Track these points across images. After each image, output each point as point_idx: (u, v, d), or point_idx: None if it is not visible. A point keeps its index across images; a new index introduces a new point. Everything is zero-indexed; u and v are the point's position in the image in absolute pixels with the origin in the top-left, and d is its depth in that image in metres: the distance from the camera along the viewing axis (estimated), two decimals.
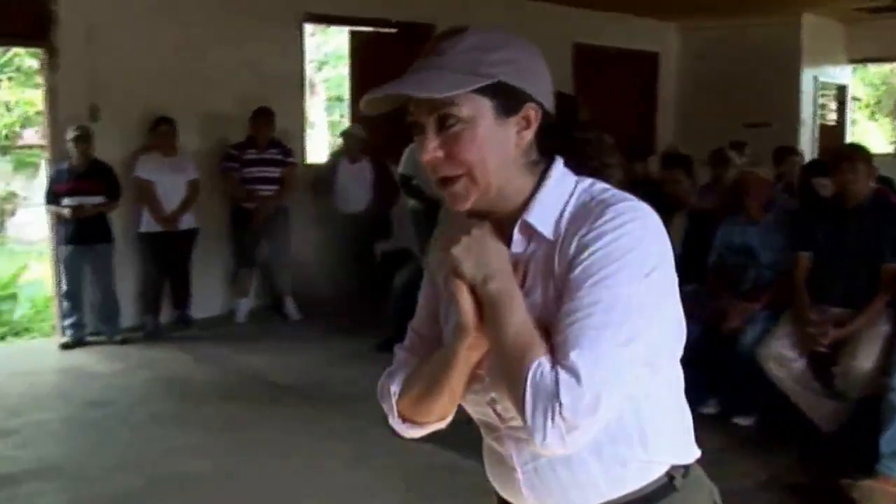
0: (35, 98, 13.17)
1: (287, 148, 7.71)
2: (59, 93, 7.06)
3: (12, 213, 15.31)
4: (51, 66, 7.06)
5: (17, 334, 8.67)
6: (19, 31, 7.07)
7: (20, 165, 14.87)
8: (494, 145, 1.33)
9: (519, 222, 1.37)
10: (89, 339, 7.05)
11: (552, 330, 1.27)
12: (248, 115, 7.51)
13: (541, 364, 1.24)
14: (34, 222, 15.66)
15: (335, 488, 4.26)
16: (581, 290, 1.26)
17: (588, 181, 1.39)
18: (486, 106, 1.32)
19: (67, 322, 7.06)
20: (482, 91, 1.31)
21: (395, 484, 4.28)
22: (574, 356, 1.22)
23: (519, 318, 1.29)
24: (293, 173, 7.72)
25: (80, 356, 6.75)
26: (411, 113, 1.35)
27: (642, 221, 1.30)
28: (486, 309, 1.32)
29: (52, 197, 6.89)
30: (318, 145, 13.05)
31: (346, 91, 11.20)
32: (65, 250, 6.93)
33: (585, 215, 1.32)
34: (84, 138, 6.72)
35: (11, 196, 15.37)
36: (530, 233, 1.37)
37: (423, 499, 4.15)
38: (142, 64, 7.17)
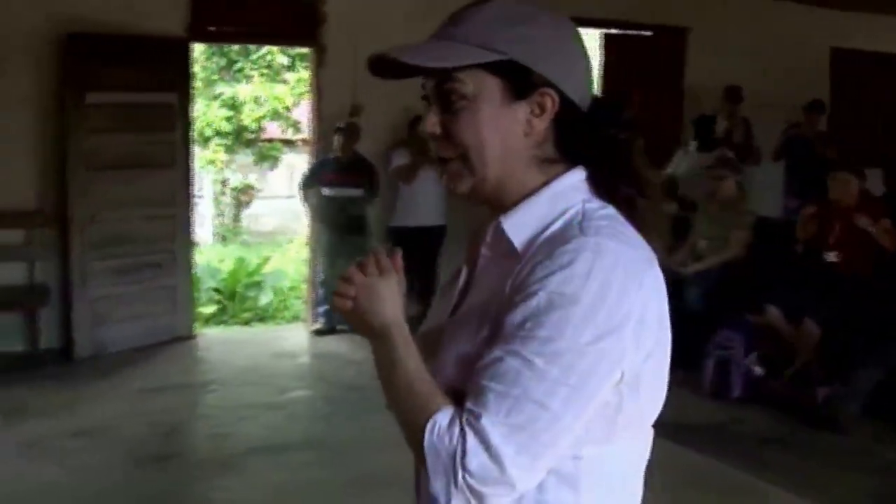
0: (282, 93, 14.04)
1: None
2: (324, 89, 7.55)
3: (247, 205, 16.29)
4: (318, 63, 7.57)
5: (261, 320, 9.33)
6: (290, 30, 7.61)
7: (261, 158, 15.76)
8: (497, 129, 1.22)
9: (494, 222, 1.26)
10: (339, 327, 7.48)
11: (476, 366, 1.15)
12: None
13: (436, 422, 1.12)
14: (268, 214, 16.69)
15: None
16: (513, 338, 1.12)
17: (597, 204, 1.23)
18: (493, 85, 1.22)
19: (321, 310, 7.49)
20: (491, 68, 1.21)
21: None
22: (487, 422, 1.09)
23: (411, 366, 1.19)
24: None
25: (332, 343, 7.19)
26: (423, 85, 1.27)
27: (607, 272, 1.12)
28: (377, 360, 1.24)
29: (311, 182, 7.35)
30: None
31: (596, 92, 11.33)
32: (324, 240, 7.39)
33: (555, 243, 1.17)
34: (350, 132, 7.17)
35: (248, 188, 16.38)
36: (501, 238, 1.25)
37: (668, 493, 4.27)
38: None
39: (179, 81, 6.95)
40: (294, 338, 7.65)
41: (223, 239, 15.36)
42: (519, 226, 1.23)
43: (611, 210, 1.23)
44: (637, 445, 1.28)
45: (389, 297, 1.24)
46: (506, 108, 1.22)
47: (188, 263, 7.24)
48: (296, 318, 8.86)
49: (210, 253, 12.85)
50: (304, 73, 12.13)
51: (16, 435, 5.06)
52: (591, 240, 1.14)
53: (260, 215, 16.71)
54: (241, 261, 10.92)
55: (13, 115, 6.50)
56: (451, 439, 1.11)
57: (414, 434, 1.15)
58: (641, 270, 1.16)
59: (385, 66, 1.23)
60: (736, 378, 5.74)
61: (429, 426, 1.13)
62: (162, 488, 4.44)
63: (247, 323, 9.22)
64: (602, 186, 1.25)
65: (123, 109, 6.54)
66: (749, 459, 4.82)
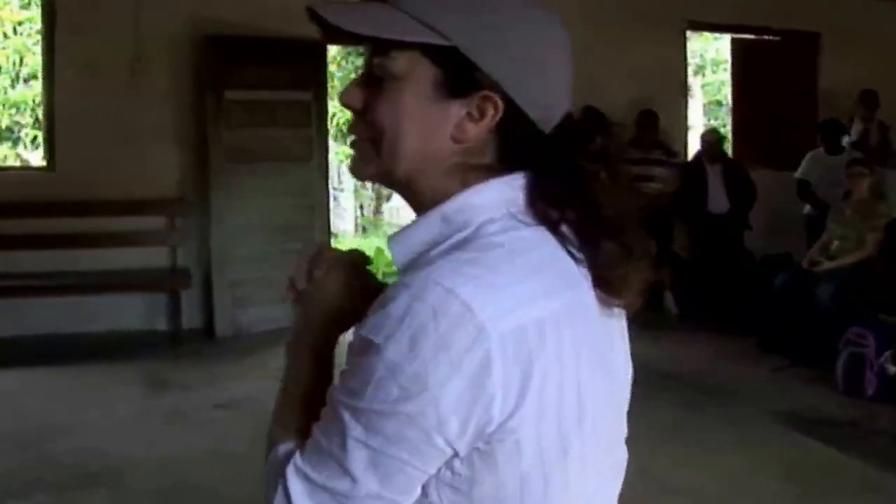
0: None
1: (672, 149, 8.14)
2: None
3: (388, 198, 16.74)
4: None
5: None
6: None
7: None
8: (419, 122, 1.03)
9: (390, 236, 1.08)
10: None
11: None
12: (633, 116, 7.94)
13: (275, 452, 1.06)
14: (405, 207, 17.13)
15: (715, 470, 4.55)
16: (340, 379, 1.00)
17: (503, 226, 1.01)
18: (427, 72, 1.02)
19: None
20: (428, 51, 1.01)
21: (774, 472, 4.51)
22: (292, 472, 1.00)
23: (291, 388, 1.12)
24: (675, 174, 8.08)
25: None
26: (362, 51, 1.09)
27: (424, 319, 0.91)
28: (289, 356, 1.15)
29: None
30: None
31: (725, 97, 11.36)
32: None
33: (405, 273, 1.00)
34: None
35: None
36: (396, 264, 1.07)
37: (800, 488, 4.37)
38: None
39: (315, 81, 7.35)
40: None
41: (364, 230, 15.82)
42: (409, 242, 1.05)
43: (522, 231, 1.01)
44: None
45: (319, 302, 1.14)
46: (437, 102, 1.02)
47: None
48: None
49: (352, 244, 13.28)
50: None
51: (160, 405, 5.45)
52: (428, 275, 0.94)
53: (400, 208, 17.11)
54: (380, 251, 11.29)
55: (156, 110, 7.01)
56: (274, 473, 1.03)
57: (267, 447, 1.10)
58: (494, 322, 0.92)
59: (322, 24, 1.05)
60: (869, 377, 5.72)
61: (270, 454, 1.07)
62: None
63: None
64: (538, 202, 1.04)
65: (261, 106, 6.96)
66: (882, 457, 4.80)
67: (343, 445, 0.95)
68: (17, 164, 11.73)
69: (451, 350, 0.91)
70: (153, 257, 7.02)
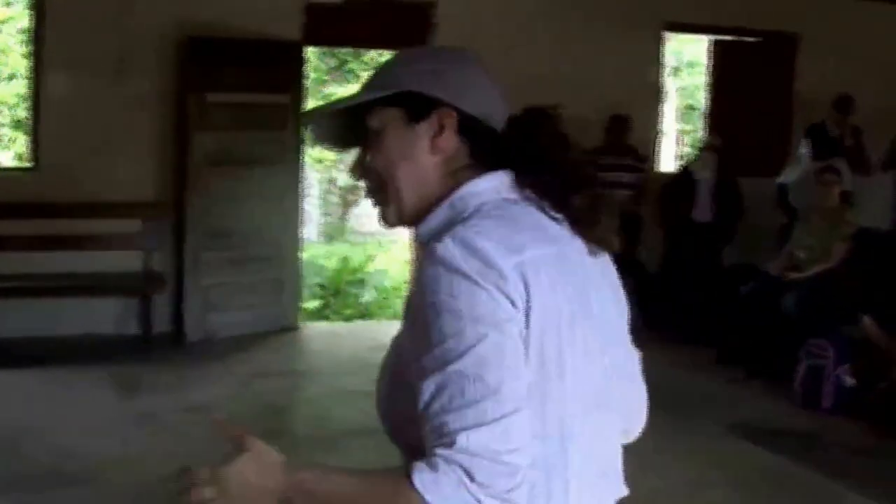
0: None
1: (642, 155, 8.16)
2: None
3: (354, 205, 16.82)
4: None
5: (363, 317, 9.79)
6: (402, 35, 7.99)
7: None
8: (401, 150, 1.39)
9: (415, 233, 1.42)
10: None
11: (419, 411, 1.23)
12: (604, 120, 7.99)
13: (421, 482, 1.18)
14: (373, 215, 17.12)
15: (665, 479, 4.66)
16: (418, 361, 1.24)
17: (495, 202, 1.36)
18: (395, 114, 1.40)
19: None
20: (390, 101, 1.40)
21: (723, 481, 4.70)
22: (453, 440, 1.18)
23: (336, 488, 1.28)
24: (647, 180, 8.16)
25: None
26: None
27: (454, 269, 1.24)
28: None
29: None
30: (668, 154, 13.36)
31: (700, 101, 11.32)
32: None
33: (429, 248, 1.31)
34: None
35: (355, 188, 16.90)
36: (422, 245, 1.39)
37: (748, 497, 4.56)
38: (517, 66, 7.60)
39: (292, 83, 7.46)
40: (394, 333, 8.02)
41: (329, 237, 15.93)
42: (427, 229, 1.39)
43: (511, 206, 1.36)
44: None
45: (248, 483, 1.29)
46: (409, 131, 1.40)
47: (295, 258, 7.74)
48: (396, 317, 9.23)
49: (316, 250, 13.39)
50: None
51: (131, 407, 5.62)
52: (450, 239, 1.27)
53: (366, 215, 17.18)
54: (345, 259, 11.43)
55: (136, 112, 7.09)
56: (447, 477, 1.17)
57: None
58: (501, 260, 1.25)
59: (318, 122, 1.53)
60: (827, 388, 5.83)
61: (415, 494, 1.17)
62: None
63: (349, 319, 9.70)
64: (524, 188, 1.39)
65: (239, 109, 7.06)
66: (834, 468, 4.94)
67: (469, 386, 1.19)
68: None
69: (489, 277, 1.23)
70: (127, 260, 7.10)
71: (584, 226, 1.39)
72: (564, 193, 1.38)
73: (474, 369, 1.19)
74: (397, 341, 1.40)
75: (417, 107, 1.39)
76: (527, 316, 1.25)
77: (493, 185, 1.37)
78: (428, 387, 1.21)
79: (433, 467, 1.17)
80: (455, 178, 1.39)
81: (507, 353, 1.22)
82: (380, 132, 1.40)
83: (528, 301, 1.25)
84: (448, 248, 1.25)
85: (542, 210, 1.37)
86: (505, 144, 1.40)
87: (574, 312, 1.31)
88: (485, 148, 1.40)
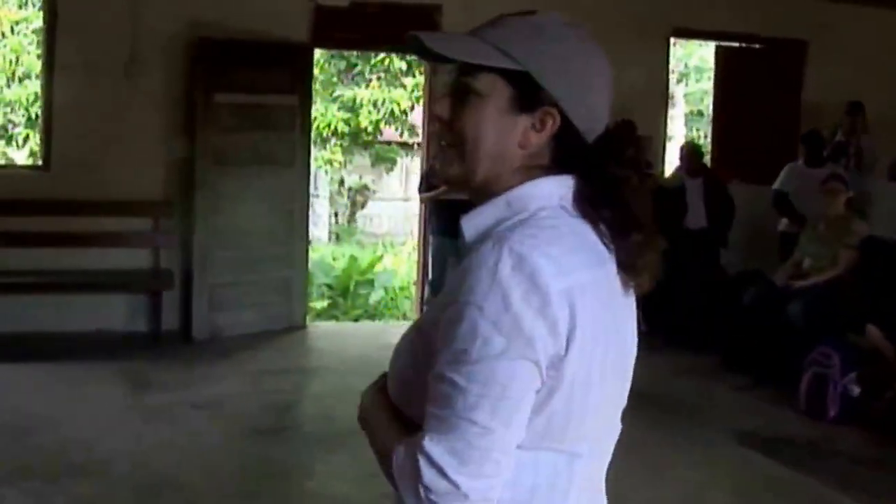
0: (400, 97, 14.61)
1: (648, 161, 8.14)
2: (434, 93, 8.01)
3: (362, 206, 16.93)
4: (433, 70, 8.05)
5: (371, 317, 9.88)
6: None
7: (378, 160, 16.39)
8: (495, 131, 1.32)
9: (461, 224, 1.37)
10: None
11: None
12: (611, 125, 8.01)
13: (397, 452, 1.27)
14: (382, 215, 17.31)
15: (667, 487, 4.75)
16: (440, 354, 1.25)
17: (553, 213, 1.32)
18: (503, 91, 1.32)
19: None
20: (505, 74, 1.31)
21: (726, 489, 4.75)
22: (428, 442, 1.22)
23: (380, 433, 1.38)
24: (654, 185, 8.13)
25: None
26: (449, 72, 1.38)
27: (508, 279, 1.22)
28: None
29: (427, 188, 7.82)
30: (675, 160, 13.31)
31: (707, 106, 11.34)
32: (435, 241, 7.83)
33: (480, 245, 1.28)
34: None
35: (364, 189, 17.04)
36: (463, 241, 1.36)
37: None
38: None
39: (301, 84, 7.54)
40: (401, 333, 8.09)
41: (338, 238, 16.04)
42: (472, 223, 1.34)
43: (568, 218, 1.32)
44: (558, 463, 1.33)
45: (372, 397, 1.46)
46: (509, 115, 1.32)
47: (303, 257, 7.82)
48: (405, 318, 9.31)
49: (325, 250, 13.48)
50: (422, 78, 12.63)
51: (140, 404, 5.71)
52: (503, 246, 1.23)
53: (374, 216, 17.32)
54: (354, 259, 11.51)
55: (146, 111, 7.20)
56: (408, 463, 1.24)
57: (385, 465, 1.31)
58: (552, 281, 1.22)
59: (419, 46, 1.37)
60: (832, 397, 5.81)
61: (393, 456, 1.27)
62: (272, 457, 4.98)
63: (356, 319, 9.78)
64: (583, 202, 1.34)
65: (248, 110, 7.15)
66: (838, 478, 4.92)
67: (466, 405, 1.20)
68: (2, 162, 11.95)
69: (532, 300, 1.20)
70: (137, 258, 7.22)
71: (630, 269, 1.36)
72: (628, 228, 1.35)
73: (473, 385, 1.20)
74: (427, 314, 1.41)
75: (530, 95, 1.31)
76: (568, 340, 1.24)
77: (554, 190, 1.33)
78: (433, 375, 1.24)
79: (405, 450, 1.26)
80: (527, 175, 1.34)
81: (514, 384, 1.21)
82: (481, 96, 1.32)
83: (571, 324, 1.24)
84: (502, 257, 1.22)
85: (595, 226, 1.33)
86: (588, 155, 1.36)
87: (609, 341, 1.31)
88: (570, 157, 1.35)
